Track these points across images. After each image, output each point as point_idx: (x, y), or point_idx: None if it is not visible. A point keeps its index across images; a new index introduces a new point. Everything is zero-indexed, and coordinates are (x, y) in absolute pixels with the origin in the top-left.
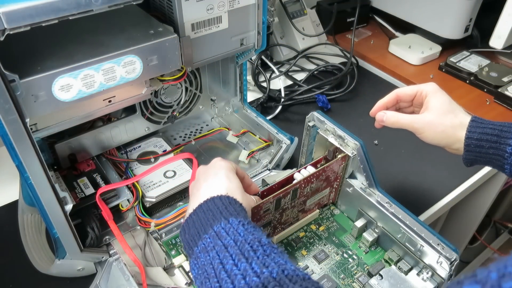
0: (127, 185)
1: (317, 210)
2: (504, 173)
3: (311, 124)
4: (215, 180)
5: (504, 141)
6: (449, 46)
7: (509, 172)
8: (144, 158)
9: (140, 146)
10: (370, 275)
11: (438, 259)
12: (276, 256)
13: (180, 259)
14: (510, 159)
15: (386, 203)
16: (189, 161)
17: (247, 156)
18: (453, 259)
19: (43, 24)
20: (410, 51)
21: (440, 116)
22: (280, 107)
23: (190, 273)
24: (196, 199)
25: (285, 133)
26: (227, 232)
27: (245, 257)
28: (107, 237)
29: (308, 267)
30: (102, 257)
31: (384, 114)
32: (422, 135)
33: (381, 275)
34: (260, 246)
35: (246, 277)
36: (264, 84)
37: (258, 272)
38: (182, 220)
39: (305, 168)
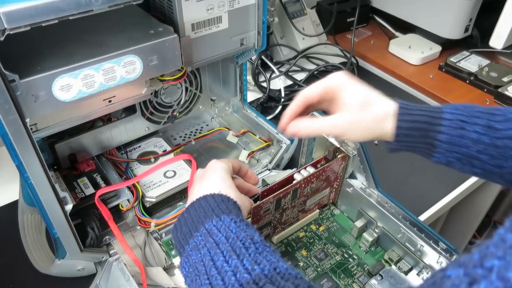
0: (116, 189)
1: (317, 210)
2: (430, 160)
3: None
4: (209, 181)
5: (434, 128)
6: (449, 46)
7: (437, 160)
8: (144, 158)
9: (140, 146)
10: (370, 275)
11: (438, 259)
12: (268, 254)
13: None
14: (442, 147)
15: (386, 203)
16: (189, 161)
17: (247, 156)
18: (453, 259)
19: (43, 24)
20: (410, 51)
21: (359, 113)
22: (280, 107)
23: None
24: (190, 200)
25: None
26: (218, 229)
27: (236, 254)
28: (107, 237)
29: (308, 267)
30: (102, 257)
31: (296, 124)
32: (345, 137)
33: (381, 275)
34: (252, 243)
35: (236, 274)
36: (264, 84)
37: (249, 269)
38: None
39: (305, 168)
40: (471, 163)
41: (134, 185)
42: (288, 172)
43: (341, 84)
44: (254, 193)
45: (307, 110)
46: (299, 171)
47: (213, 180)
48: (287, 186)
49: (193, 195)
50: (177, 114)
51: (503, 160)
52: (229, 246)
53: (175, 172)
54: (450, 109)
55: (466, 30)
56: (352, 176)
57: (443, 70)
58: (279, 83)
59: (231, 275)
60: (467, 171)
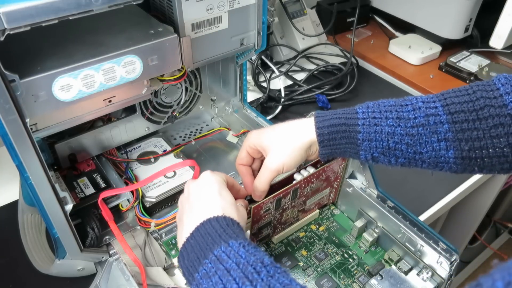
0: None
1: (317, 210)
2: (359, 159)
3: None
4: (208, 199)
5: (353, 129)
6: (449, 46)
7: (364, 157)
8: (144, 158)
9: (140, 146)
10: (370, 275)
11: (438, 259)
12: (280, 276)
13: None
14: (363, 145)
15: (386, 203)
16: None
17: None
18: (453, 259)
19: (43, 24)
20: (410, 51)
21: (280, 144)
22: (280, 107)
23: None
24: (191, 219)
25: None
26: (228, 256)
27: (249, 280)
28: (107, 237)
29: (308, 267)
30: (102, 257)
31: (253, 190)
32: (289, 167)
33: (381, 275)
34: (263, 267)
35: None
36: (264, 84)
37: None
38: (178, 244)
39: (305, 168)
40: (394, 154)
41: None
42: (288, 172)
43: (254, 139)
44: (243, 194)
45: (255, 170)
46: (299, 171)
47: (212, 197)
48: (287, 186)
49: (195, 215)
50: (177, 114)
51: (420, 147)
52: (241, 272)
53: (175, 172)
54: (362, 109)
55: (466, 30)
56: (352, 176)
57: (443, 70)
58: (279, 83)
59: None
60: (394, 163)
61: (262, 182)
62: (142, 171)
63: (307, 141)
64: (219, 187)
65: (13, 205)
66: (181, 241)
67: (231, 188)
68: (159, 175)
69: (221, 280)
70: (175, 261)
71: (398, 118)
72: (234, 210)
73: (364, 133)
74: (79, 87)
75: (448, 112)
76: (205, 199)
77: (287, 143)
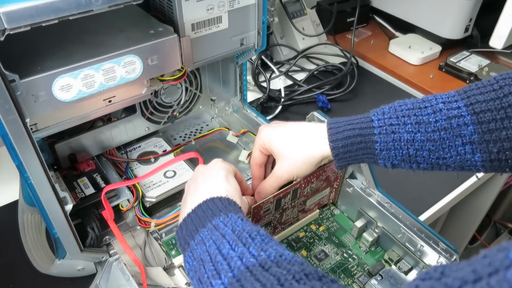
0: (127, 185)
1: (317, 210)
2: (377, 165)
3: None
4: (215, 182)
5: (369, 139)
6: (449, 46)
7: (383, 165)
8: (144, 158)
9: (140, 146)
10: (370, 275)
11: (438, 259)
12: (274, 244)
13: (180, 259)
14: (382, 154)
15: (386, 203)
16: (189, 161)
17: (247, 156)
18: (453, 259)
19: (43, 24)
20: (410, 51)
21: (292, 154)
22: (280, 107)
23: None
24: (195, 199)
25: None
26: (225, 224)
27: (243, 243)
28: (107, 237)
29: None
30: (102, 257)
31: (258, 192)
32: (298, 177)
33: (381, 275)
34: (258, 235)
35: (242, 258)
36: (264, 84)
37: (255, 255)
38: (179, 221)
39: None
40: (415, 161)
41: (134, 185)
42: None
43: (266, 139)
44: (250, 193)
45: (267, 169)
46: None
47: (219, 180)
48: (287, 186)
49: (199, 195)
50: (177, 114)
51: (443, 152)
52: (235, 236)
53: (175, 172)
54: (378, 116)
55: (466, 30)
56: (352, 176)
57: (443, 70)
58: (279, 83)
59: (237, 259)
60: (415, 168)
61: (269, 187)
62: (142, 171)
63: (320, 155)
64: (226, 173)
65: (13, 205)
66: (182, 217)
67: (239, 183)
68: (163, 167)
69: (215, 243)
70: (175, 261)
71: (417, 123)
72: (238, 197)
73: (381, 143)
74: (79, 87)
75: (473, 112)
76: (211, 182)
77: (299, 155)
